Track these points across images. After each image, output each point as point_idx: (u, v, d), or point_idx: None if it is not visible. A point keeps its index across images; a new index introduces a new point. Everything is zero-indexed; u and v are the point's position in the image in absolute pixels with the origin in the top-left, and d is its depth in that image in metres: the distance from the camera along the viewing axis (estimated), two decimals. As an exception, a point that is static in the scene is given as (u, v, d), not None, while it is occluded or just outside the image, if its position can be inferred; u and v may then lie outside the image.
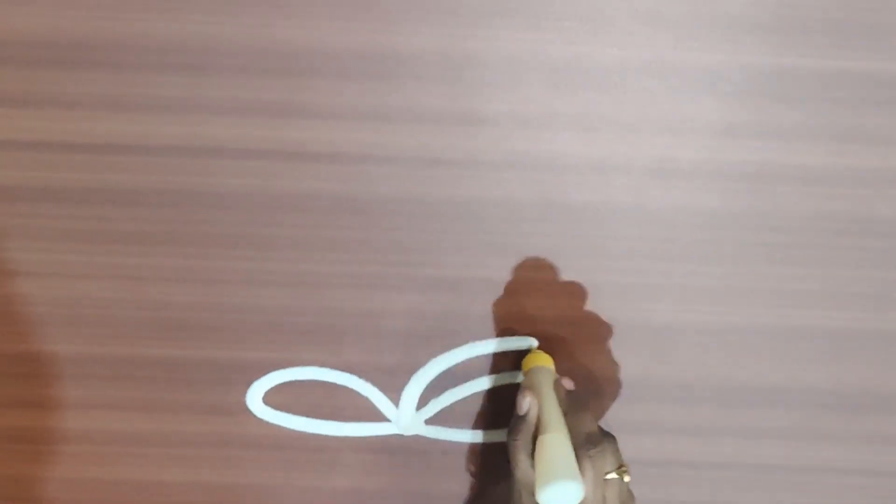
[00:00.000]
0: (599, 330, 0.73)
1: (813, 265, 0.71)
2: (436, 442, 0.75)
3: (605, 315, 0.73)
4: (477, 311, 0.72)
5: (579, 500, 0.61)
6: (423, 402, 0.75)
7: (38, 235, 0.70)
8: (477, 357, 0.74)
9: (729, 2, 0.65)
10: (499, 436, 0.75)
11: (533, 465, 0.62)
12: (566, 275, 0.71)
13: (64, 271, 0.71)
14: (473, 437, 0.76)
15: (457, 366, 0.74)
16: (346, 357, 0.74)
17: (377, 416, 0.75)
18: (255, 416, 0.74)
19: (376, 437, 0.75)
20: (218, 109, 0.68)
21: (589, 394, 0.74)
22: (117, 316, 0.72)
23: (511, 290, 0.72)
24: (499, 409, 0.75)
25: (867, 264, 0.71)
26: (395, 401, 0.75)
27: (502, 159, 0.69)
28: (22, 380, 0.74)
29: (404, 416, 0.75)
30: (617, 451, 0.64)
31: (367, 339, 0.73)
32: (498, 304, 0.72)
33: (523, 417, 0.65)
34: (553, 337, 0.73)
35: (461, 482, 0.76)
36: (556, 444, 0.63)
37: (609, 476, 0.63)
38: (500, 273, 0.71)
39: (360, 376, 0.74)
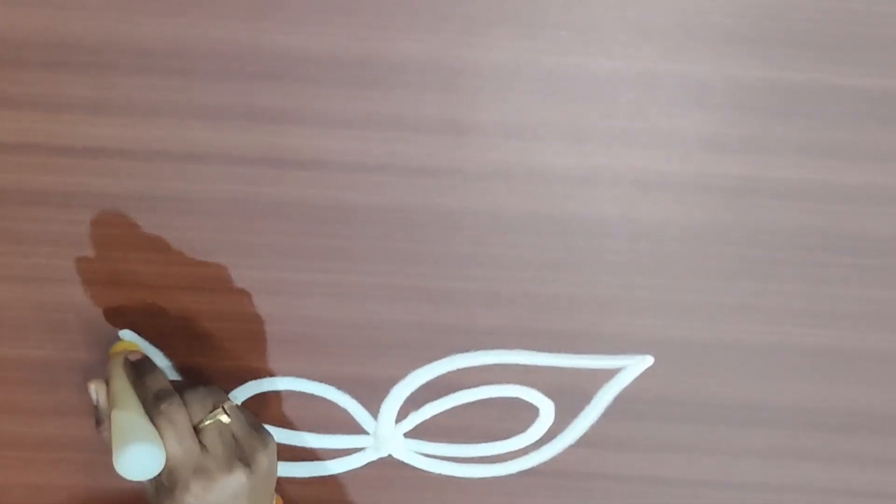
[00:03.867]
0: (584, 344, 0.73)
1: (798, 281, 0.71)
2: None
3: (588, 328, 0.72)
4: (461, 323, 0.72)
5: (161, 459, 0.61)
6: (402, 414, 0.75)
7: (20, 239, 0.70)
8: (458, 370, 0.73)
9: (718, 14, 0.65)
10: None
11: None
12: (552, 287, 0.71)
13: (43, 275, 0.70)
14: (452, 451, 0.75)
15: (438, 378, 0.73)
16: (325, 368, 0.73)
17: (355, 428, 0.75)
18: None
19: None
20: (204, 114, 0.67)
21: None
22: (96, 322, 0.72)
23: (496, 301, 0.71)
24: (477, 423, 0.74)
25: (853, 282, 0.71)
26: (375, 413, 0.74)
27: (489, 169, 0.68)
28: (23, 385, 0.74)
29: (383, 429, 0.74)
30: (208, 395, 0.64)
31: (348, 349, 0.73)
32: (482, 316, 0.72)
33: (97, 407, 0.65)
34: (536, 350, 0.73)
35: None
36: (119, 415, 0.62)
37: (204, 423, 0.63)
38: (486, 284, 0.71)
39: (340, 388, 0.74)
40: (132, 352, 0.68)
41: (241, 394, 0.73)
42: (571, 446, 0.75)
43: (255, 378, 0.73)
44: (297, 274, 0.71)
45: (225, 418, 0.64)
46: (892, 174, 0.69)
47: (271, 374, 0.73)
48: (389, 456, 0.76)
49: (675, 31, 0.66)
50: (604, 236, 0.70)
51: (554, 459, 0.76)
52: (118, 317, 0.71)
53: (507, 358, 0.73)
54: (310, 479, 0.76)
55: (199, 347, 0.72)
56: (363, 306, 0.72)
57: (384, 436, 0.75)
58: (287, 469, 0.76)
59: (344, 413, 0.74)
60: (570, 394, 0.74)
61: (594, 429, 0.75)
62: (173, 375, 0.73)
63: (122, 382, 0.65)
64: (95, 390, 0.65)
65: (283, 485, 0.76)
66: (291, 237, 0.70)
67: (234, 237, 0.70)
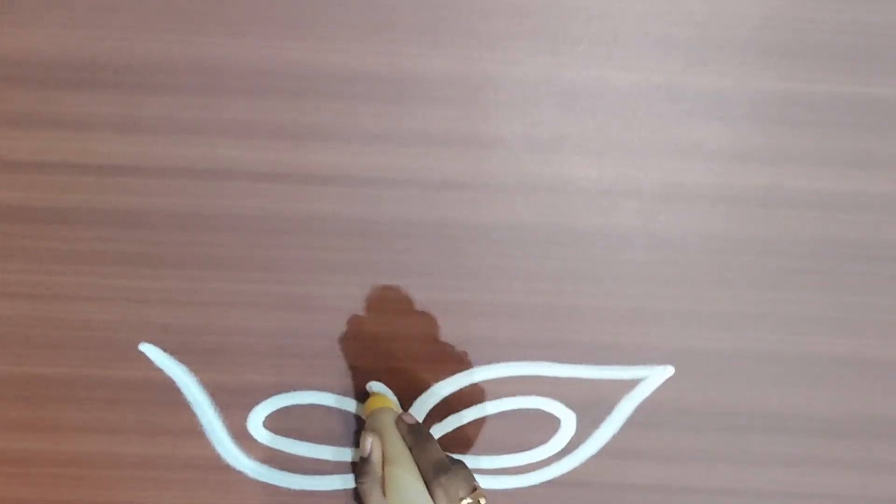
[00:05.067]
0: (605, 355, 0.73)
1: (821, 291, 0.71)
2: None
3: (609, 339, 0.72)
4: (483, 335, 0.72)
5: None
6: (426, 426, 0.74)
7: (46, 258, 0.70)
8: (481, 381, 0.73)
9: (738, 26, 0.66)
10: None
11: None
12: (573, 298, 0.71)
13: (69, 293, 0.71)
14: (475, 462, 0.75)
15: (461, 390, 0.73)
16: (348, 381, 0.73)
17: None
18: (256, 440, 0.74)
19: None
20: (228, 131, 0.67)
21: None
22: (121, 339, 0.72)
23: (518, 313, 0.72)
24: (500, 434, 0.74)
25: (875, 290, 0.71)
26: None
27: (511, 182, 0.69)
28: (23, 402, 0.73)
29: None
30: (469, 475, 0.65)
31: (371, 362, 0.73)
32: (504, 328, 0.72)
33: (367, 459, 0.66)
34: (559, 361, 0.73)
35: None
36: (403, 476, 0.64)
37: (464, 501, 0.63)
38: (508, 296, 0.71)
39: (363, 401, 0.74)
40: (406, 414, 0.69)
41: (265, 408, 0.73)
42: (593, 456, 0.75)
43: (279, 392, 0.73)
44: (323, 288, 0.71)
45: (483, 501, 0.65)
46: (912, 183, 0.69)
47: (295, 389, 0.73)
48: (412, 468, 0.76)
49: (694, 45, 0.66)
50: (625, 247, 0.70)
51: (576, 470, 0.75)
52: (144, 333, 0.72)
53: (529, 370, 0.73)
54: (333, 492, 0.76)
55: (224, 363, 0.72)
56: (388, 319, 0.72)
57: (406, 448, 0.75)
58: (311, 482, 0.75)
59: (366, 426, 0.74)
60: (592, 404, 0.74)
61: (616, 439, 0.75)
62: (198, 390, 0.73)
63: (398, 442, 0.66)
64: (372, 444, 0.66)
65: (307, 498, 0.76)
66: (317, 251, 0.70)
67: (260, 252, 0.70)
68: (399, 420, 0.68)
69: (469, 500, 0.64)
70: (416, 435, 0.67)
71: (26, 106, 0.67)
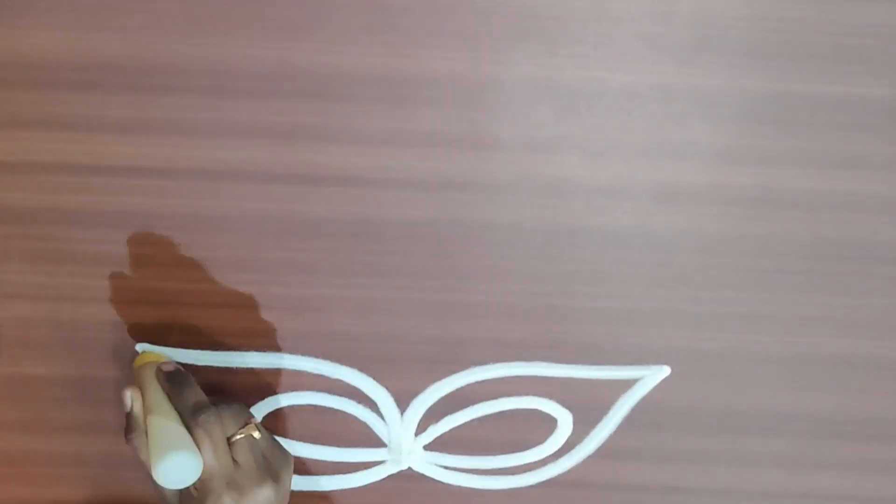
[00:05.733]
0: (602, 355, 0.73)
1: (813, 291, 0.72)
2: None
3: (607, 340, 0.73)
4: (480, 336, 0.73)
5: (199, 469, 0.62)
6: (422, 427, 0.75)
7: (48, 259, 0.70)
8: (477, 382, 0.74)
9: (731, 29, 0.66)
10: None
11: None
12: (570, 298, 0.72)
13: (69, 294, 0.71)
14: (472, 463, 0.76)
15: (457, 391, 0.74)
16: (345, 382, 0.73)
17: (375, 441, 0.75)
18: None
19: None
20: (236, 133, 0.68)
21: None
22: (119, 340, 0.72)
23: (514, 313, 0.72)
24: (497, 435, 0.75)
25: (869, 290, 0.72)
26: (394, 426, 0.75)
27: (511, 182, 0.69)
28: (21, 402, 0.73)
29: (403, 442, 0.75)
30: (240, 411, 0.65)
31: (369, 363, 0.73)
32: (501, 328, 0.72)
33: (130, 413, 0.65)
34: (555, 361, 0.73)
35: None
36: (158, 423, 0.63)
37: (236, 437, 0.64)
38: (505, 297, 0.72)
39: (360, 401, 0.74)
40: (165, 363, 0.68)
41: (263, 408, 0.74)
42: (590, 457, 0.76)
43: (277, 393, 0.74)
44: (325, 290, 0.71)
45: (256, 434, 0.65)
46: (905, 183, 0.70)
47: (293, 389, 0.74)
48: (409, 469, 0.76)
49: (689, 47, 0.67)
50: (621, 248, 0.71)
51: (573, 470, 0.76)
52: (150, 334, 0.72)
53: (526, 370, 0.73)
54: (330, 492, 0.76)
55: (220, 363, 0.73)
56: (387, 320, 0.72)
57: (404, 449, 0.75)
58: (308, 483, 0.76)
59: (364, 426, 0.75)
60: (588, 405, 0.75)
61: (612, 439, 0.75)
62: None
63: (156, 392, 0.66)
64: (131, 397, 0.65)
65: (304, 498, 0.76)
66: (320, 253, 0.70)
67: (262, 254, 0.70)
68: (157, 370, 0.67)
69: (240, 435, 0.64)
70: (173, 382, 0.67)
71: (34, 108, 0.67)
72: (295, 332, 0.72)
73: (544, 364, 0.73)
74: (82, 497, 0.75)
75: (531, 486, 0.76)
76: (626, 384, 0.74)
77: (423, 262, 0.71)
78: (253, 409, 0.74)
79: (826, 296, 0.72)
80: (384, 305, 0.72)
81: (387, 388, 0.74)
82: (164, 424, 0.63)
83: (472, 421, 0.75)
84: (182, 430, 0.63)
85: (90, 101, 0.67)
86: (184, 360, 0.72)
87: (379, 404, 0.74)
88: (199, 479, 0.62)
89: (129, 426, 0.65)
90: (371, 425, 0.75)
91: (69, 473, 0.75)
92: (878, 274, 0.72)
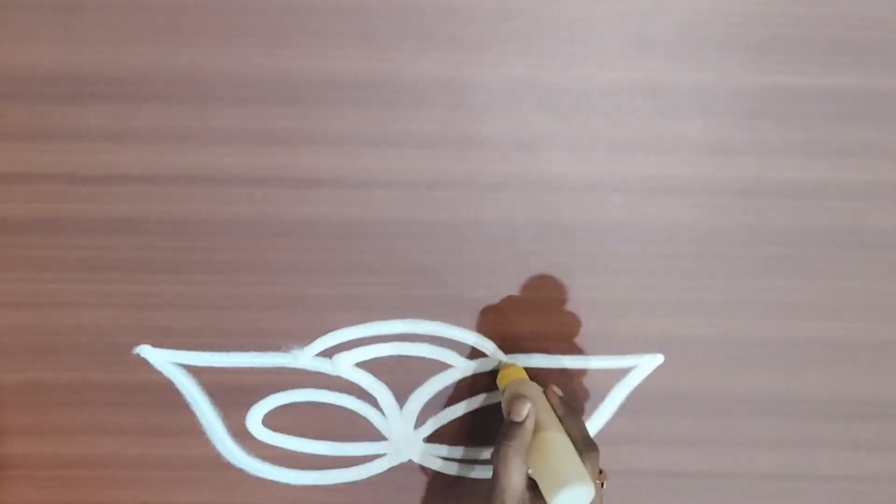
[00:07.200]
0: (596, 345, 0.74)
1: (805, 277, 0.72)
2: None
3: (601, 331, 0.73)
4: (475, 330, 0.73)
5: (589, 500, 0.61)
6: (421, 420, 0.75)
7: (45, 266, 0.70)
8: (475, 374, 0.74)
9: (717, 24, 0.66)
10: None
11: (526, 471, 0.63)
12: (563, 291, 0.72)
13: (68, 300, 0.71)
14: (471, 454, 0.76)
15: (456, 383, 0.74)
16: (343, 378, 0.74)
17: (375, 435, 0.75)
18: (255, 438, 0.75)
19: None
20: (219, 139, 0.68)
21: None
22: (120, 343, 0.72)
23: (509, 309, 0.72)
24: (495, 425, 0.75)
25: (857, 275, 0.72)
26: (394, 419, 0.75)
27: (500, 180, 0.69)
28: (27, 407, 0.74)
29: (403, 434, 0.75)
30: (598, 457, 0.64)
31: (366, 359, 0.74)
32: (496, 323, 0.73)
33: (521, 424, 0.64)
34: (552, 353, 0.74)
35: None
36: (560, 444, 0.63)
37: (599, 479, 0.64)
38: (498, 292, 0.72)
39: (359, 396, 0.74)
40: (556, 386, 0.69)
41: (263, 407, 0.74)
42: (587, 444, 0.76)
43: (277, 391, 0.74)
44: (316, 289, 0.71)
45: (604, 484, 0.66)
46: (890, 170, 0.70)
47: (293, 387, 0.74)
48: (409, 461, 0.76)
49: (675, 42, 0.67)
50: (612, 241, 0.71)
51: (571, 458, 0.76)
52: (142, 336, 0.72)
53: (522, 362, 0.73)
54: (333, 486, 0.77)
55: (221, 363, 0.73)
56: (380, 317, 0.72)
57: (404, 441, 0.76)
58: (311, 477, 0.76)
59: (364, 421, 0.75)
60: (585, 394, 0.75)
61: (609, 426, 0.76)
62: (197, 391, 0.74)
63: (549, 413, 0.66)
64: (529, 409, 0.65)
65: (307, 492, 0.76)
66: (309, 253, 0.71)
67: (253, 255, 0.70)
68: (549, 391, 0.68)
69: (600, 482, 0.64)
70: (566, 407, 0.67)
71: (20, 120, 0.67)
72: (289, 332, 0.72)
73: (540, 355, 0.74)
74: (87, 499, 0.76)
75: (531, 475, 0.77)
76: (621, 373, 0.75)
77: (414, 261, 0.71)
78: (254, 408, 0.74)
79: (816, 281, 0.72)
80: (377, 303, 0.72)
81: (385, 382, 0.74)
82: (561, 443, 0.63)
83: (470, 412, 0.75)
84: (575, 455, 0.63)
85: (75, 111, 0.67)
86: (183, 362, 0.72)
87: (378, 399, 0.74)
88: None
89: (513, 434, 0.64)
90: (371, 419, 0.75)
91: (75, 476, 0.75)
92: (865, 258, 0.72)
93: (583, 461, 0.63)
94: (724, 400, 0.75)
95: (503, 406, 0.68)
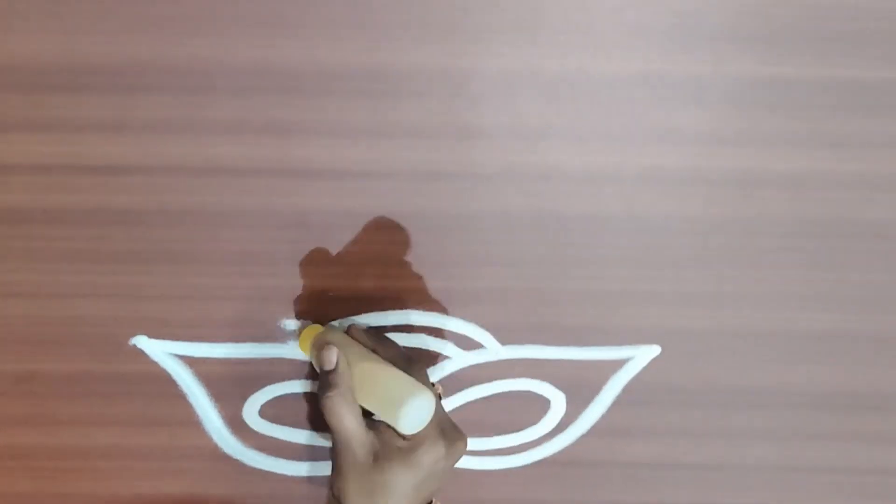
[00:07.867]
0: (592, 336, 0.74)
1: (799, 268, 0.72)
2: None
3: (598, 322, 0.73)
4: (473, 321, 0.73)
5: (432, 410, 0.62)
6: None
7: (42, 257, 0.70)
8: (471, 366, 0.74)
9: (712, 14, 0.67)
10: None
11: (359, 413, 0.63)
12: (560, 282, 0.72)
13: (65, 291, 0.71)
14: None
15: (452, 374, 0.74)
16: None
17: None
18: (251, 429, 0.75)
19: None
20: (218, 129, 0.68)
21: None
22: (116, 334, 0.72)
23: (506, 298, 0.73)
24: (491, 417, 0.75)
25: (852, 266, 0.72)
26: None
27: (497, 171, 0.69)
28: (23, 398, 0.74)
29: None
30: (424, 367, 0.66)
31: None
32: (493, 313, 0.73)
33: (335, 370, 0.64)
34: (548, 344, 0.74)
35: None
36: (382, 370, 0.64)
37: (437, 391, 0.65)
38: (496, 282, 0.72)
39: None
40: (356, 323, 0.70)
41: (259, 398, 0.74)
42: (583, 436, 0.76)
43: (273, 381, 0.74)
44: (314, 280, 0.72)
45: (440, 391, 0.67)
46: (885, 161, 0.70)
47: (289, 378, 0.74)
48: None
49: (670, 33, 0.67)
50: (608, 232, 0.71)
51: (567, 449, 0.76)
52: (139, 327, 0.72)
53: (518, 353, 0.74)
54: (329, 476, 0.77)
55: (218, 354, 0.73)
56: (377, 308, 0.73)
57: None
58: (309, 468, 0.76)
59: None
60: (581, 385, 0.75)
61: (605, 418, 0.76)
62: (194, 383, 0.74)
63: (358, 347, 0.66)
64: (337, 354, 0.65)
65: (303, 484, 0.77)
66: (307, 244, 0.71)
67: (251, 247, 0.71)
68: (352, 328, 0.68)
69: (439, 389, 0.66)
70: (372, 335, 0.68)
71: (19, 111, 0.67)
72: (286, 322, 0.73)
73: (536, 346, 0.74)
74: (83, 490, 0.76)
75: (526, 466, 0.77)
76: (618, 364, 0.75)
77: (412, 251, 0.71)
78: (251, 399, 0.74)
79: (811, 272, 0.73)
80: (374, 294, 0.72)
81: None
82: (391, 372, 0.63)
83: (467, 404, 0.75)
84: (407, 376, 0.63)
85: (73, 102, 0.67)
86: (179, 352, 0.73)
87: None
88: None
89: (331, 383, 0.64)
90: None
91: (70, 466, 0.75)
92: (861, 250, 0.72)
93: (413, 373, 0.64)
94: (721, 391, 0.75)
95: (314, 363, 0.67)
